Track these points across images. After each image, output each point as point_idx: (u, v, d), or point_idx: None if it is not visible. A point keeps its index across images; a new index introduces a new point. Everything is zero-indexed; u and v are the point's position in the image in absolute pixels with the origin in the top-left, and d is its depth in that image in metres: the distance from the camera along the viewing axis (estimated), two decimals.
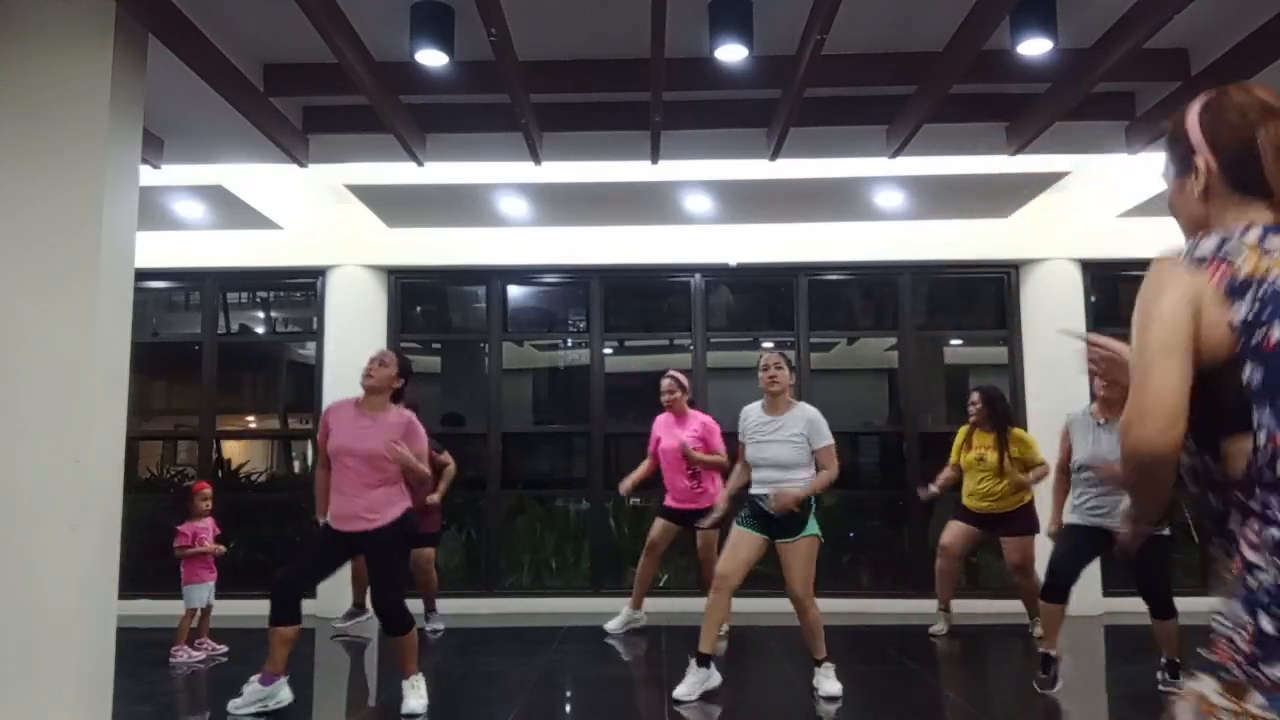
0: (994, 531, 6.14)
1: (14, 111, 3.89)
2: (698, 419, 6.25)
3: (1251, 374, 1.34)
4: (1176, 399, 1.33)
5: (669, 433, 6.21)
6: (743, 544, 4.65)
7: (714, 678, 4.70)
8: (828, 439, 4.68)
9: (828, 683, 4.66)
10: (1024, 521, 5.99)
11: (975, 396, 6.21)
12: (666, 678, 4.87)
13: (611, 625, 6.36)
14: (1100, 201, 7.13)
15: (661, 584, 7.48)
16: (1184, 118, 1.53)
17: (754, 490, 4.74)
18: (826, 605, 7.26)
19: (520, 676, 5.24)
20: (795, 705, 4.74)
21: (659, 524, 6.30)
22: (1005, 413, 6.16)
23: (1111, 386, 4.65)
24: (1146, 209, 6.64)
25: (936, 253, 7.57)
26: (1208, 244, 1.41)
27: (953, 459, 6.27)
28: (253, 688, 4.39)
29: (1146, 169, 6.27)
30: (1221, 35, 4.67)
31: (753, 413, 4.84)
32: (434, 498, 6.23)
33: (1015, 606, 6.29)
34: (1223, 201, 1.48)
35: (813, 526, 4.64)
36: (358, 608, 6.61)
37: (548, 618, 7.01)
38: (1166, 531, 4.71)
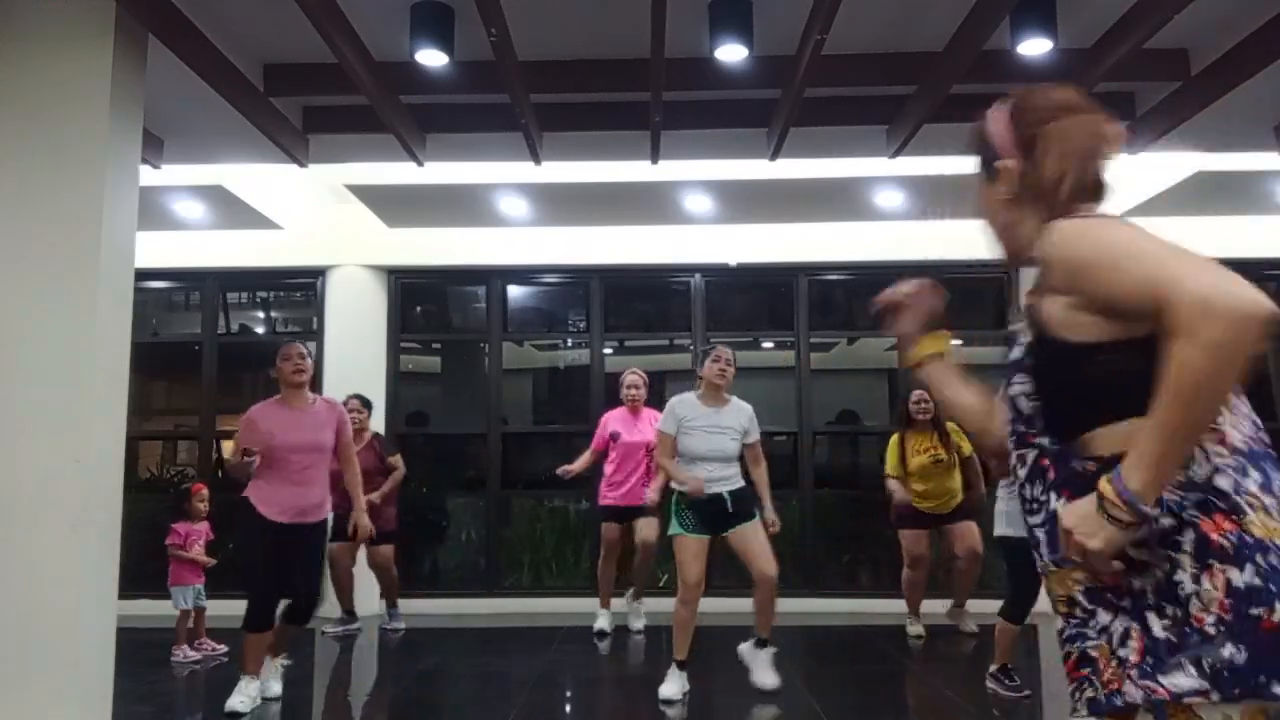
0: (943, 524, 6.19)
1: (14, 111, 3.89)
2: (651, 416, 6.19)
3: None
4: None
5: (628, 428, 6.20)
6: (699, 552, 4.62)
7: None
8: (757, 434, 4.80)
9: (764, 672, 4.72)
10: (967, 509, 6.07)
11: (925, 395, 6.10)
12: (665, 677, 4.86)
13: (601, 624, 6.34)
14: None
15: (662, 584, 7.47)
16: (985, 123, 1.53)
17: (707, 490, 4.60)
18: (827, 605, 7.34)
19: (520, 676, 5.24)
20: (793, 705, 4.74)
21: (611, 528, 6.25)
22: (939, 410, 6.22)
23: None
24: (1147, 209, 6.64)
25: (937, 253, 7.56)
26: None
27: (894, 470, 6.19)
28: (254, 684, 4.45)
29: (1147, 169, 6.27)
30: (1221, 35, 4.67)
31: (688, 404, 4.73)
32: (373, 497, 6.08)
33: None
34: (1039, 200, 1.44)
35: (757, 514, 4.72)
36: (349, 614, 6.60)
37: (548, 618, 7.00)
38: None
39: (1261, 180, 6.44)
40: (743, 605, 6.34)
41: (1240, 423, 1.27)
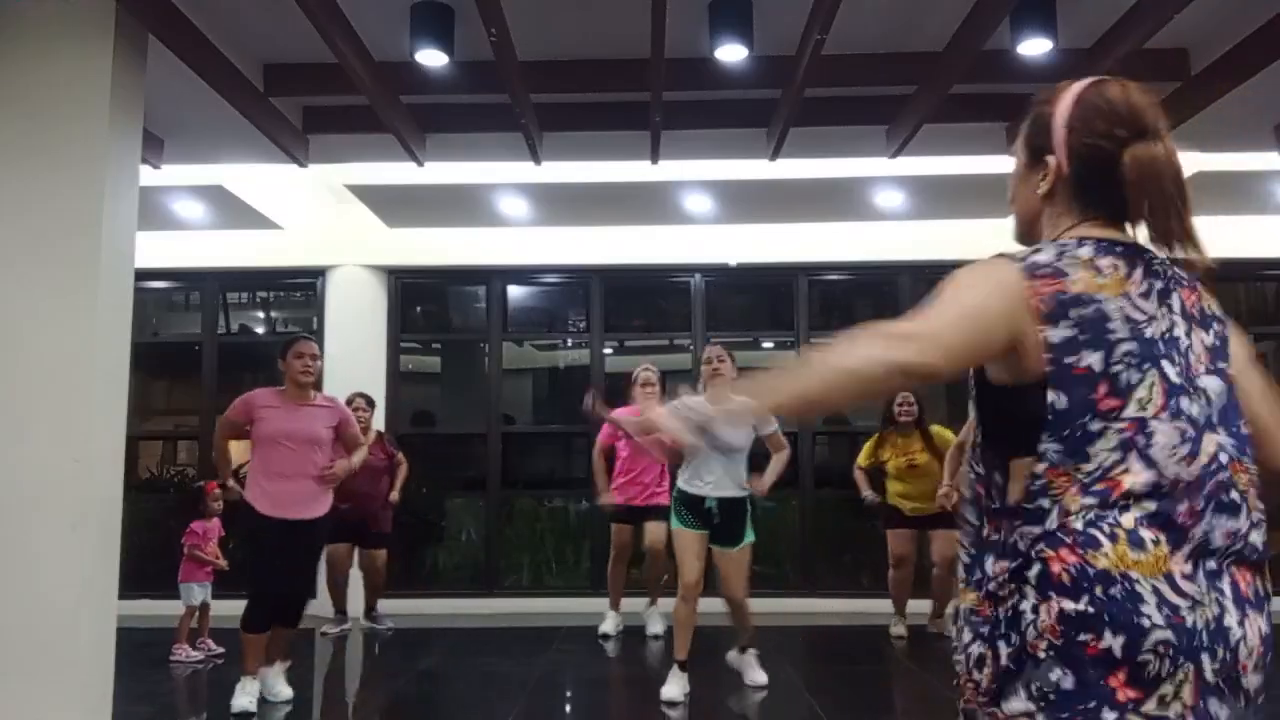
0: (928, 528, 6.18)
1: (14, 111, 3.88)
2: None
3: (1055, 399, 1.27)
4: (956, 340, 1.30)
5: None
6: (696, 547, 4.60)
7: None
8: (775, 423, 4.56)
9: (755, 671, 4.75)
10: (952, 516, 6.05)
11: (910, 398, 6.19)
12: (666, 678, 4.86)
13: (606, 627, 6.32)
14: None
15: (662, 583, 7.47)
16: (1052, 107, 1.41)
17: (696, 489, 4.57)
18: (826, 605, 7.33)
19: (520, 676, 5.24)
20: (793, 705, 4.74)
21: (623, 529, 6.18)
22: (923, 412, 6.28)
23: None
24: None
25: (936, 253, 7.55)
26: (1045, 254, 1.34)
27: (865, 462, 6.34)
28: (254, 684, 4.45)
29: None
30: (1221, 35, 4.66)
31: (696, 401, 4.69)
32: (393, 496, 6.27)
33: None
34: (1064, 207, 1.40)
35: (750, 534, 4.65)
36: (341, 614, 6.60)
37: (548, 618, 7.00)
38: None
39: (1261, 180, 6.44)
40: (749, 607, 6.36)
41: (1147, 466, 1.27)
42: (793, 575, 7.59)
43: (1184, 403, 1.28)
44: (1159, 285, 1.33)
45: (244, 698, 4.37)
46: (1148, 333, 1.30)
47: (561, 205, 6.93)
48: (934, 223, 7.31)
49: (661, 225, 7.38)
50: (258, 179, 6.67)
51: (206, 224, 7.15)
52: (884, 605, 7.02)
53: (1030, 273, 1.31)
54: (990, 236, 6.28)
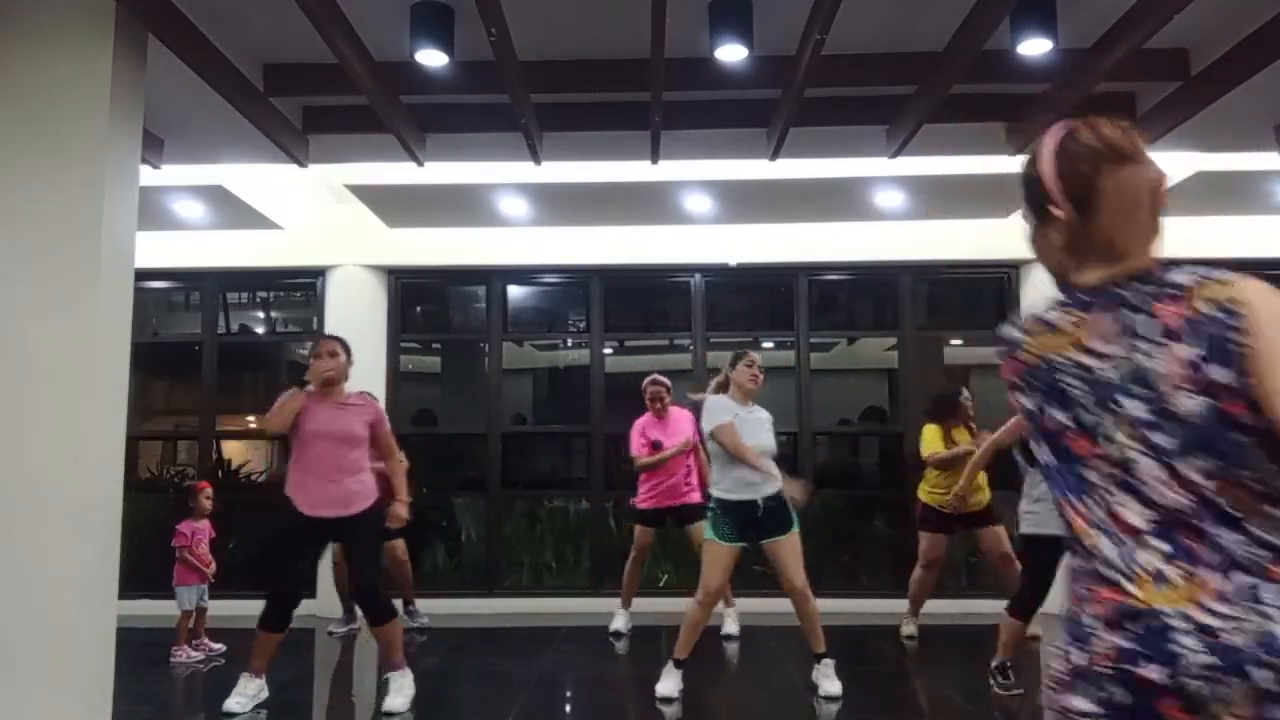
0: (967, 527, 6.07)
1: (14, 112, 3.88)
2: (684, 416, 6.15)
3: (1040, 454, 1.42)
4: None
5: (665, 434, 6.11)
6: (729, 559, 4.61)
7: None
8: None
9: (828, 681, 4.65)
10: (993, 511, 5.96)
11: (968, 393, 6.18)
12: (663, 676, 4.86)
13: (618, 625, 6.35)
14: None
15: (662, 584, 7.48)
16: (1037, 159, 1.45)
17: (737, 495, 4.59)
18: (826, 605, 7.28)
19: (520, 676, 5.24)
20: (795, 705, 4.74)
21: (646, 531, 6.25)
22: None
23: None
24: None
25: (936, 253, 7.57)
26: (1012, 331, 1.48)
27: (939, 449, 6.03)
28: (254, 683, 4.44)
29: None
30: (1221, 35, 4.66)
31: (730, 400, 4.73)
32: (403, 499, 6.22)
33: None
34: (1083, 255, 1.42)
35: (796, 520, 4.71)
36: (349, 614, 6.60)
37: (548, 618, 7.01)
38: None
39: (1261, 180, 6.44)
40: (752, 606, 6.36)
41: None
42: None
43: (1155, 436, 1.29)
44: (1127, 318, 1.35)
45: (236, 698, 4.37)
46: (1103, 376, 1.34)
47: (561, 205, 6.93)
48: (934, 223, 7.31)
49: (661, 225, 7.38)
50: (258, 179, 6.67)
51: (206, 224, 7.15)
52: (884, 605, 7.03)
53: (1002, 355, 1.52)
54: (990, 236, 6.33)
